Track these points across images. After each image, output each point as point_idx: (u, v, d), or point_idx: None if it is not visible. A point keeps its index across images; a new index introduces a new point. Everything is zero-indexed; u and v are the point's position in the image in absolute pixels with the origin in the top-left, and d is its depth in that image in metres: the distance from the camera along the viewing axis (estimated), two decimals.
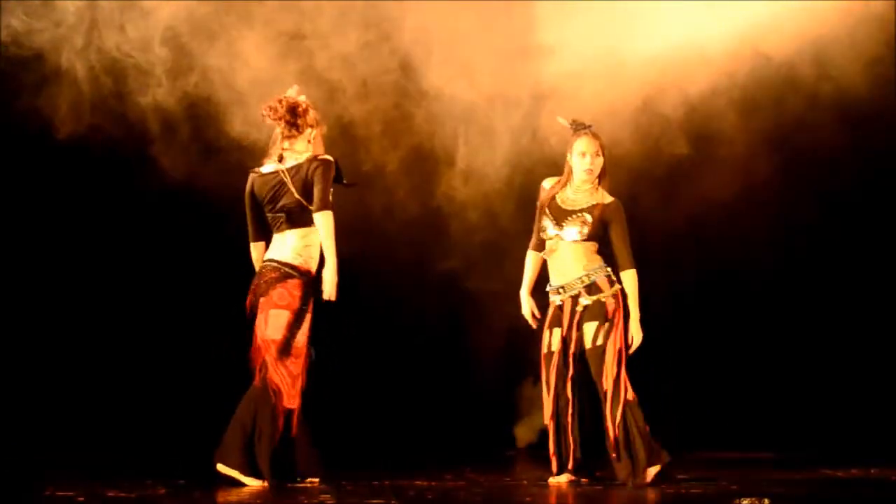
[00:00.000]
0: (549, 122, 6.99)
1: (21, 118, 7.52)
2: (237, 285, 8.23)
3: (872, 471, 6.95)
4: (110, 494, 5.65)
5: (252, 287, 6.31)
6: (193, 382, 8.04)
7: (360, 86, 7.73)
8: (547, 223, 6.46)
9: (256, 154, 7.53)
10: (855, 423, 8.19)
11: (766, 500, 5.36)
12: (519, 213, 7.86)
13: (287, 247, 6.26)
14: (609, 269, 6.40)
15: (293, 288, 6.21)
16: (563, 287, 6.42)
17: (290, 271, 6.23)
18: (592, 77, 7.44)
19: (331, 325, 8.14)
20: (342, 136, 7.69)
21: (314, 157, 6.26)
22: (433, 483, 6.41)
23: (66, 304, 7.97)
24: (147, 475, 6.39)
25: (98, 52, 7.32)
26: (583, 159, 6.44)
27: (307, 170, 6.22)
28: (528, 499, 5.79)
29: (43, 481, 6.00)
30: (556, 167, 6.64)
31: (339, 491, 5.91)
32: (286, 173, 6.26)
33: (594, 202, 6.41)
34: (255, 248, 6.41)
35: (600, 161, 6.43)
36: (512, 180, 8.02)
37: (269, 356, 6.20)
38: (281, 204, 6.26)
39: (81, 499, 5.47)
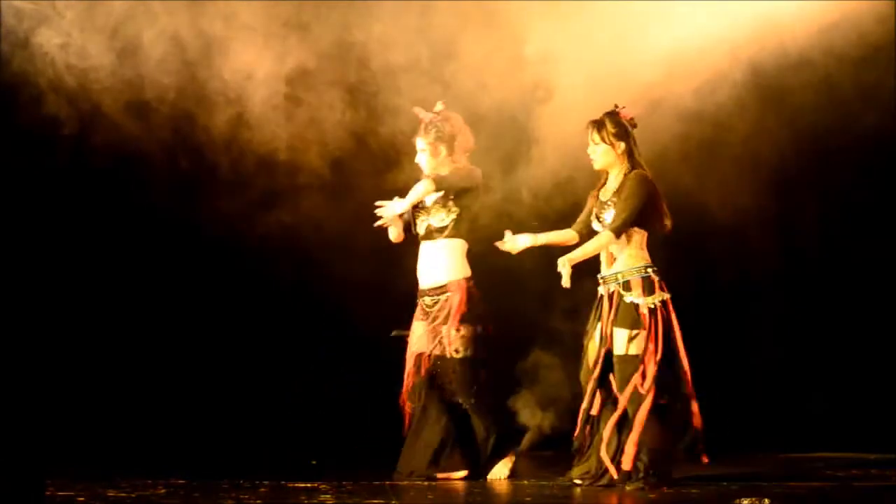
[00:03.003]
0: (548, 130, 6.96)
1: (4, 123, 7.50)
2: (235, 287, 8.26)
3: (873, 471, 6.95)
4: (110, 494, 5.65)
5: None
6: (193, 383, 8.04)
7: (347, 93, 7.66)
8: (591, 220, 6.36)
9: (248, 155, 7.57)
10: (855, 423, 8.18)
11: (766, 500, 5.36)
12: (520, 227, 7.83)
13: None
14: (651, 270, 6.21)
15: None
16: (604, 278, 6.28)
17: None
18: (592, 83, 7.38)
19: (338, 332, 8.20)
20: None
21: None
22: (433, 483, 6.42)
23: (65, 306, 7.96)
24: (147, 475, 6.39)
25: (77, 55, 7.26)
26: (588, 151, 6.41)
27: None
28: (527, 499, 5.80)
29: (43, 481, 6.00)
30: (553, 177, 6.63)
31: (339, 491, 5.92)
32: None
33: (619, 185, 6.30)
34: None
35: (601, 149, 6.29)
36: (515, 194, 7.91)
37: None
38: None
39: (81, 499, 5.47)
